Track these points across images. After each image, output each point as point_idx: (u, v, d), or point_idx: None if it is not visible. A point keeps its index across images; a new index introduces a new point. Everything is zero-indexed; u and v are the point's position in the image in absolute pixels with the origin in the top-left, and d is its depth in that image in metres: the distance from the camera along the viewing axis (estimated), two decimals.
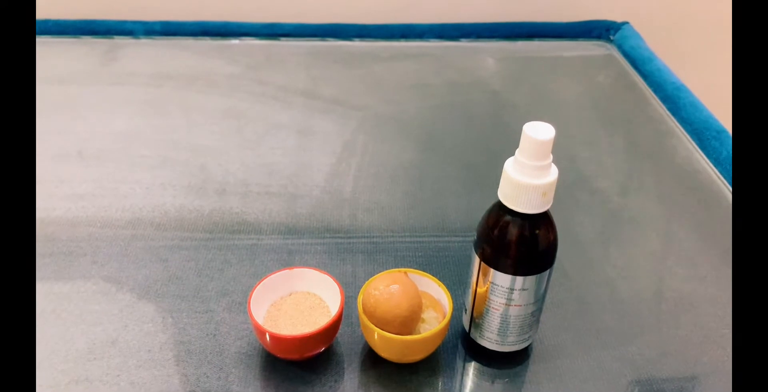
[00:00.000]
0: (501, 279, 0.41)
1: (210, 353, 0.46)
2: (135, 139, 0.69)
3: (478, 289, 0.43)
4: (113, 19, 0.89)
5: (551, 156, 0.38)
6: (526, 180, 0.38)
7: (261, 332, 0.43)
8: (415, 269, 0.47)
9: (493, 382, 0.45)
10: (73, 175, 0.63)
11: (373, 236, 0.57)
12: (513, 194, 0.39)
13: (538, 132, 0.37)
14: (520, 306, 0.42)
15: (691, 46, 0.99)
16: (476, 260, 0.43)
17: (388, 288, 0.42)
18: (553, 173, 0.39)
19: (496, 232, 0.41)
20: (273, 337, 0.42)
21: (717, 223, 0.60)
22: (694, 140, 0.71)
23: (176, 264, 0.53)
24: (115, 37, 0.88)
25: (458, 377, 0.46)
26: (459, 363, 0.46)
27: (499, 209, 0.41)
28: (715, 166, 0.67)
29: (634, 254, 0.57)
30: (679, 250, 0.57)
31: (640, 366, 0.47)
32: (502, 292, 0.42)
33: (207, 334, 0.47)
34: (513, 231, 0.40)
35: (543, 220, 0.40)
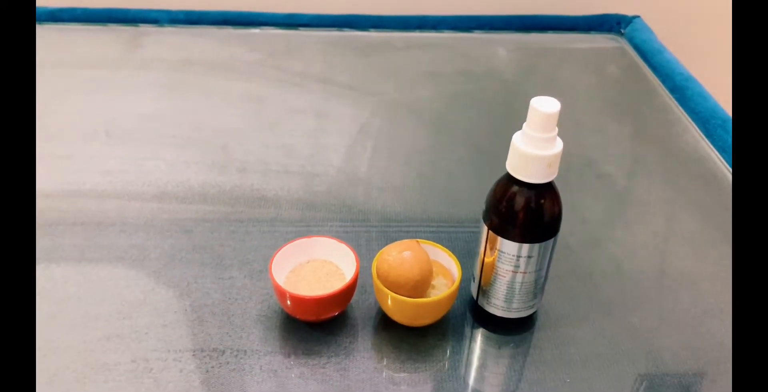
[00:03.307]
0: (508, 247, 0.44)
1: (232, 315, 0.49)
2: (159, 120, 0.72)
3: (485, 258, 0.46)
4: (139, 8, 0.92)
5: (557, 129, 0.41)
6: (533, 151, 0.40)
7: (282, 293, 0.45)
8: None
9: (499, 347, 0.48)
10: (101, 152, 0.66)
11: (386, 214, 0.60)
12: (520, 165, 0.41)
13: (545, 105, 0.40)
14: (526, 273, 0.45)
15: (701, 40, 1.01)
16: (485, 229, 0.45)
17: (401, 254, 0.45)
18: (558, 146, 0.41)
19: (504, 202, 0.43)
20: (293, 298, 0.45)
21: (719, 206, 0.62)
22: (700, 128, 0.73)
23: (200, 235, 0.56)
24: (140, 25, 0.91)
25: (466, 341, 0.48)
26: (467, 328, 0.49)
27: (507, 180, 0.43)
28: (720, 153, 0.69)
29: (638, 233, 0.59)
30: (682, 231, 0.59)
31: (640, 334, 0.49)
32: (509, 259, 0.44)
33: (229, 298, 0.50)
34: (520, 200, 0.43)
35: (548, 190, 0.43)
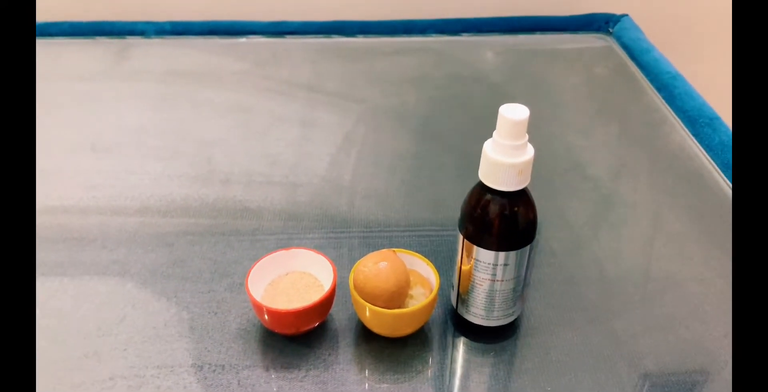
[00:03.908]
0: (484, 256, 0.43)
1: (211, 329, 0.48)
2: (146, 132, 0.72)
3: (463, 267, 0.45)
4: (125, 20, 0.92)
5: (527, 136, 0.40)
6: (503, 159, 0.40)
7: (259, 307, 0.45)
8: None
9: (480, 356, 0.47)
10: (86, 166, 0.66)
11: (370, 222, 0.59)
12: (491, 173, 0.41)
13: (513, 113, 0.39)
14: (503, 281, 0.44)
15: (689, 38, 1.00)
16: (461, 238, 0.45)
17: (376, 265, 0.45)
18: (529, 152, 0.41)
19: (477, 210, 0.43)
20: (270, 312, 0.45)
21: (707, 207, 0.62)
22: (687, 127, 0.72)
23: (181, 249, 0.56)
24: (127, 37, 0.91)
25: (447, 351, 0.48)
26: (448, 337, 0.48)
27: (481, 188, 0.43)
28: (707, 152, 0.68)
29: (624, 236, 0.59)
30: (668, 232, 0.59)
31: (625, 340, 0.48)
32: (486, 268, 0.44)
33: (209, 312, 0.50)
34: (493, 209, 0.42)
35: (522, 197, 0.42)
